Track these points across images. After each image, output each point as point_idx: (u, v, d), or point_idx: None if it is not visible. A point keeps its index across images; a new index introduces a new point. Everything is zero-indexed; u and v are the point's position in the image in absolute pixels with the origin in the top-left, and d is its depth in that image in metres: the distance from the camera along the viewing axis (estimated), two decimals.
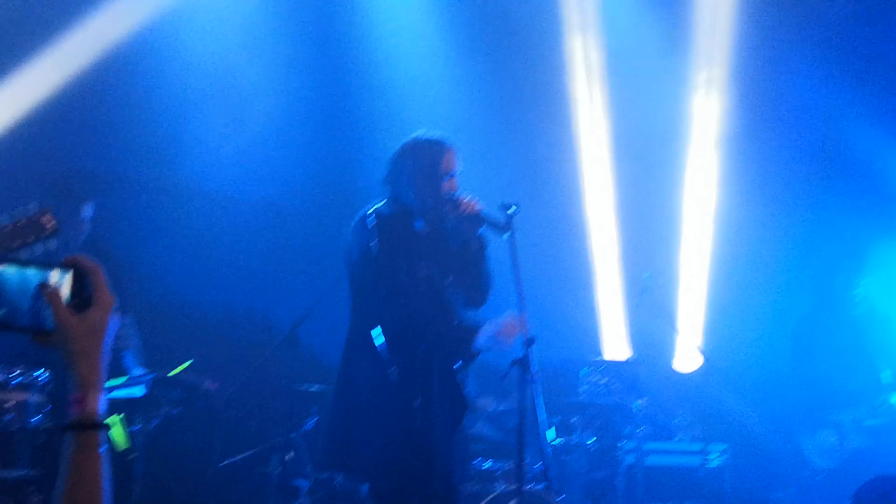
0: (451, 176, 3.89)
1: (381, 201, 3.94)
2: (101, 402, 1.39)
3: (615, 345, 7.00)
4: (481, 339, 3.80)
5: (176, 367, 5.00)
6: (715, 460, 6.22)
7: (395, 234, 3.82)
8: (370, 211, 3.89)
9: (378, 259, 3.80)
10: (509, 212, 3.85)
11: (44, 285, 1.38)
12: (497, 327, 3.78)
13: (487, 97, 6.75)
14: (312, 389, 5.40)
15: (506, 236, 3.78)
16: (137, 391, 4.70)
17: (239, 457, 5.30)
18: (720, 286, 7.04)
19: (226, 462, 5.30)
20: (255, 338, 5.90)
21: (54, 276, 1.40)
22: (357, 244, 3.89)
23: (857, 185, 6.81)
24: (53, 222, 3.09)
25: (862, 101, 6.66)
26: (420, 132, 3.99)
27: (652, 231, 7.05)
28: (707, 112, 7.04)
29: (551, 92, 6.94)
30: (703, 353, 6.23)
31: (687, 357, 7.10)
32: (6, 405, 4.40)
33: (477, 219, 3.84)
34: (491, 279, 4.02)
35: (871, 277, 5.69)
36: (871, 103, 6.64)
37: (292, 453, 5.29)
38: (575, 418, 5.90)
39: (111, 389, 4.79)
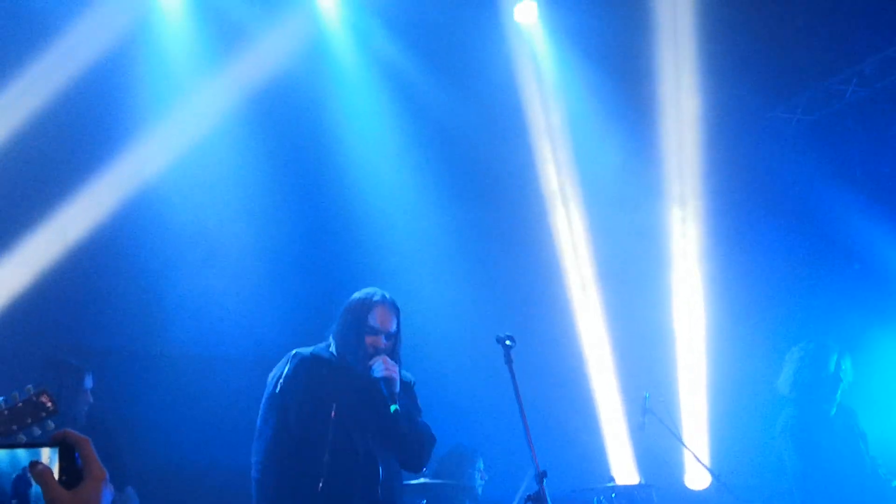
0: (377, 332, 3.96)
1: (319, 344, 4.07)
2: None
3: (624, 469, 6.90)
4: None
5: None
6: None
7: (310, 374, 3.91)
8: (295, 350, 4.02)
9: (277, 395, 3.91)
10: (507, 343, 3.91)
11: (33, 464, 1.38)
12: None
13: (471, 236, 6.90)
14: None
15: (392, 409, 3.80)
16: None
17: None
18: (720, 396, 7.02)
19: None
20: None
21: (44, 454, 1.40)
22: (272, 377, 4.01)
23: (848, 273, 6.90)
24: (52, 402, 3.09)
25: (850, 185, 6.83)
26: (358, 293, 4.10)
27: (646, 348, 7.07)
28: (684, 223, 7.18)
29: (532, 223, 7.10)
30: (711, 470, 6.15)
31: (697, 475, 7.00)
32: None
33: (387, 382, 3.86)
34: (417, 445, 4.00)
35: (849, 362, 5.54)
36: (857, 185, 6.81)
37: None
38: None
39: None
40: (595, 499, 5.96)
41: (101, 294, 6.08)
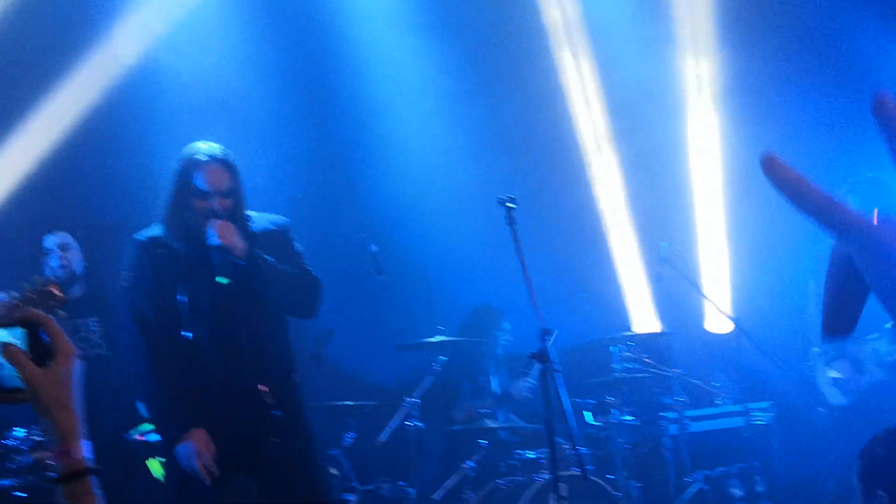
0: (208, 195, 3.58)
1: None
2: (86, 448, 1.41)
3: (643, 318, 6.96)
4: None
5: None
6: (760, 418, 6.18)
7: (152, 259, 3.61)
8: (136, 236, 3.70)
9: (127, 291, 3.65)
10: (508, 205, 3.88)
11: (3, 345, 1.39)
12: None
13: (479, 91, 6.74)
14: (346, 404, 5.43)
15: (224, 280, 3.52)
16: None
17: None
18: (739, 242, 6.97)
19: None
20: None
21: (7, 334, 1.41)
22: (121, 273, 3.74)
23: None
24: (60, 292, 3.15)
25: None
26: (188, 147, 3.69)
27: (662, 199, 7.00)
28: (698, 67, 6.97)
29: (541, 75, 6.91)
30: (731, 316, 6.18)
31: (717, 320, 7.06)
32: (48, 461, 4.47)
33: (221, 250, 3.52)
34: (294, 292, 3.74)
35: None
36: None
37: (335, 470, 5.32)
38: (611, 398, 5.88)
39: (146, 434, 4.85)
40: (614, 347, 6.04)
41: (106, 172, 6.06)
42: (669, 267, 6.06)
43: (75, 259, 5.21)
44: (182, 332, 3.58)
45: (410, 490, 5.32)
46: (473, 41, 6.80)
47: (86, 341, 5.03)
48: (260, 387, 3.57)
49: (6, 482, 4.47)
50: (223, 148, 3.67)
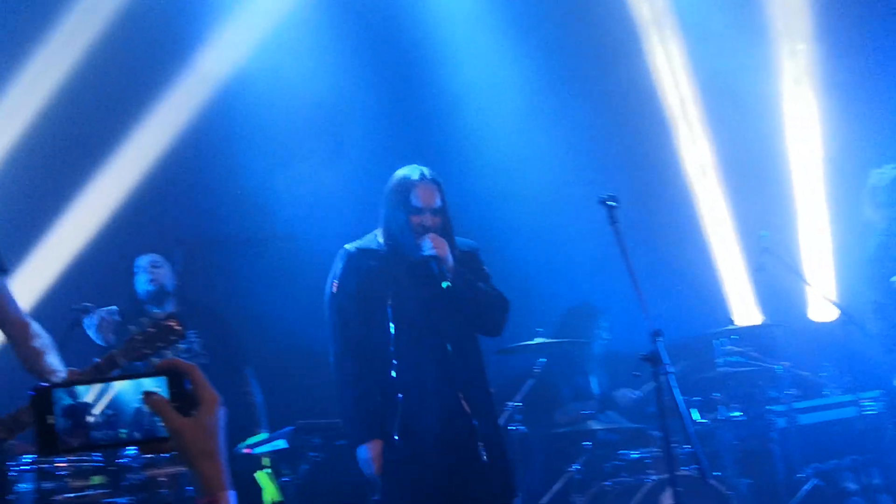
0: (421, 212, 3.87)
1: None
2: (233, 499, 1.39)
3: (746, 311, 6.79)
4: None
5: (308, 414, 5.05)
6: (871, 408, 5.98)
7: (360, 269, 3.88)
8: (346, 246, 3.99)
9: (334, 297, 3.92)
10: (609, 203, 3.83)
11: (147, 394, 1.38)
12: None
13: (572, 87, 6.63)
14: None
15: (444, 285, 3.74)
16: (280, 444, 4.78)
17: None
18: (841, 229, 6.74)
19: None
20: None
21: (151, 383, 1.40)
22: (329, 278, 4.00)
23: None
24: (179, 326, 3.18)
25: None
26: (396, 173, 4.00)
27: (762, 188, 6.80)
28: (795, 55, 6.76)
29: (633, 68, 6.78)
30: (836, 303, 5.98)
31: (821, 308, 6.84)
32: (160, 479, 4.54)
33: (437, 260, 3.78)
34: (487, 310, 3.97)
35: None
36: None
37: None
38: (717, 394, 5.74)
39: (254, 446, 4.89)
40: (717, 341, 5.91)
41: (203, 189, 6.14)
42: (771, 256, 5.89)
43: (166, 276, 5.35)
44: (388, 339, 3.82)
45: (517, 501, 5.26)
46: (562, 36, 6.69)
47: (188, 352, 5.11)
48: (460, 395, 3.83)
49: (121, 500, 4.55)
50: (431, 170, 3.98)
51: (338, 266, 3.96)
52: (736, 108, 6.70)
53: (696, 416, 5.65)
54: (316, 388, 5.68)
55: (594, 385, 6.10)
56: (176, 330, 3.16)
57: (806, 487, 5.60)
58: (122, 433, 1.40)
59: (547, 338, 5.44)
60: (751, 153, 6.78)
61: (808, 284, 6.28)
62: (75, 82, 5.77)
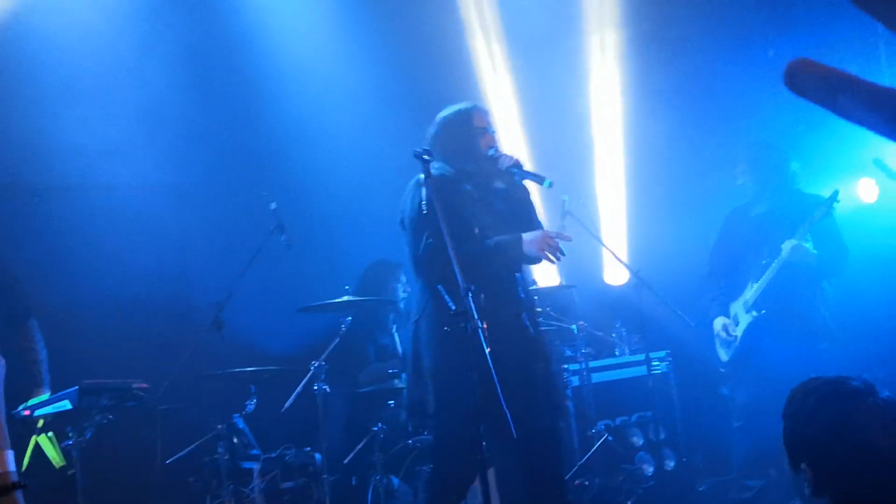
0: (486, 132, 4.13)
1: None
2: (10, 462, 1.22)
3: (546, 272, 6.95)
4: (529, 247, 3.88)
5: (96, 372, 4.74)
6: (659, 367, 6.28)
7: (445, 192, 3.89)
8: (420, 176, 3.96)
9: (428, 215, 3.86)
10: (425, 157, 3.82)
11: None
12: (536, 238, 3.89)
13: (378, 45, 6.52)
14: (247, 370, 5.23)
15: (546, 184, 3.94)
16: (64, 405, 4.45)
17: (184, 451, 5.10)
18: (637, 197, 7.03)
19: (171, 459, 5.09)
20: (177, 327, 5.63)
21: None
22: (409, 205, 4.04)
23: (763, 61, 6.80)
24: None
25: None
26: (447, 108, 4.22)
27: (564, 150, 6.97)
28: (601, 17, 6.94)
29: (443, 27, 6.74)
30: (629, 266, 6.23)
31: (616, 272, 7.11)
32: None
33: (517, 169, 4.01)
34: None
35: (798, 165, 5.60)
36: None
37: (237, 438, 5.13)
38: None
39: (35, 408, 4.54)
40: None
41: None
42: (571, 219, 6.03)
43: None
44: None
45: (317, 455, 5.18)
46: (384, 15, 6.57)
47: None
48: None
49: None
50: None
51: (420, 190, 3.92)
52: (543, 66, 6.81)
53: None
54: (103, 346, 5.36)
55: (399, 344, 6.07)
56: None
57: (598, 443, 5.81)
58: None
59: (352, 296, 5.35)
60: (555, 114, 6.92)
61: (606, 248, 6.50)
62: None
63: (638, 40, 6.85)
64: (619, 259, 6.33)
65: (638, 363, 6.22)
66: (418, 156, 3.82)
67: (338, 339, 5.28)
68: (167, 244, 5.84)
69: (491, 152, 4.06)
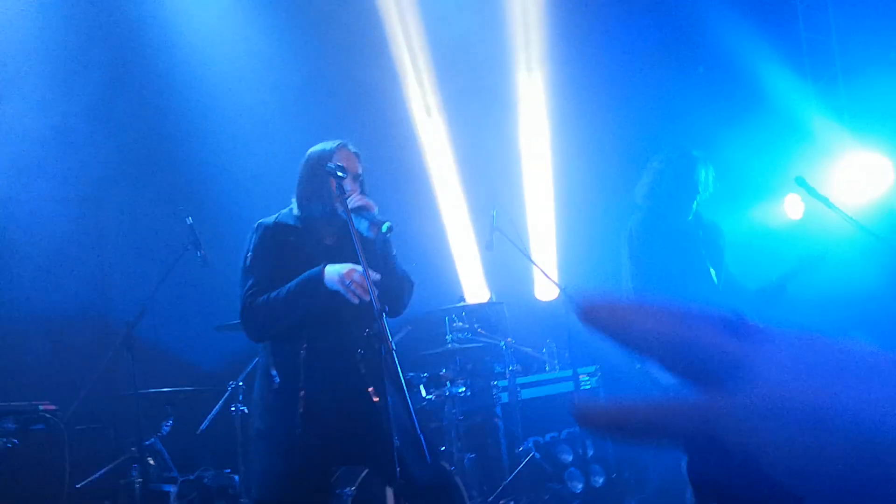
0: (335, 173, 3.75)
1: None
2: None
3: (476, 288, 6.90)
4: (331, 278, 3.55)
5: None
6: (587, 382, 6.27)
7: (273, 240, 3.72)
8: (258, 222, 3.82)
9: (248, 268, 3.72)
10: (339, 175, 3.70)
11: None
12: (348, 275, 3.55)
13: (301, 50, 6.40)
14: (163, 390, 5.07)
15: (385, 228, 3.61)
16: None
17: (96, 474, 4.92)
18: (566, 212, 7.02)
19: (83, 483, 4.91)
20: (89, 345, 5.44)
21: None
22: (243, 252, 3.81)
23: (693, 75, 6.83)
24: None
25: None
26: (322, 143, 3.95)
27: (494, 170, 6.94)
28: (526, 22, 6.90)
29: (370, 33, 6.65)
30: (558, 283, 6.20)
31: (545, 288, 7.09)
32: None
33: (365, 209, 3.67)
34: (397, 289, 3.80)
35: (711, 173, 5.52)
36: None
37: (153, 460, 4.97)
38: (444, 370, 5.79)
39: None
40: (447, 318, 5.96)
41: None
42: (500, 235, 5.98)
43: None
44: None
45: (235, 477, 5.04)
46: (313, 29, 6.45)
47: None
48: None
49: None
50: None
51: (251, 239, 3.74)
52: (472, 91, 6.77)
53: (422, 392, 5.67)
54: (9, 365, 5.17)
55: None
56: None
57: (525, 460, 5.77)
58: None
59: None
60: (484, 128, 6.89)
61: (534, 264, 6.46)
62: None
63: (565, 48, 6.84)
64: (546, 275, 6.31)
65: (567, 379, 6.19)
66: (331, 173, 3.72)
67: (256, 359, 5.14)
68: (80, 260, 5.65)
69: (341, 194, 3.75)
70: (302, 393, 3.56)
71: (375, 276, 3.56)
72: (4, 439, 4.34)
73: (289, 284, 3.61)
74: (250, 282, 3.71)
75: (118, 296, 5.40)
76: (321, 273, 3.56)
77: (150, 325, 5.02)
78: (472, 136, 6.88)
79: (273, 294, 3.61)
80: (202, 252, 5.07)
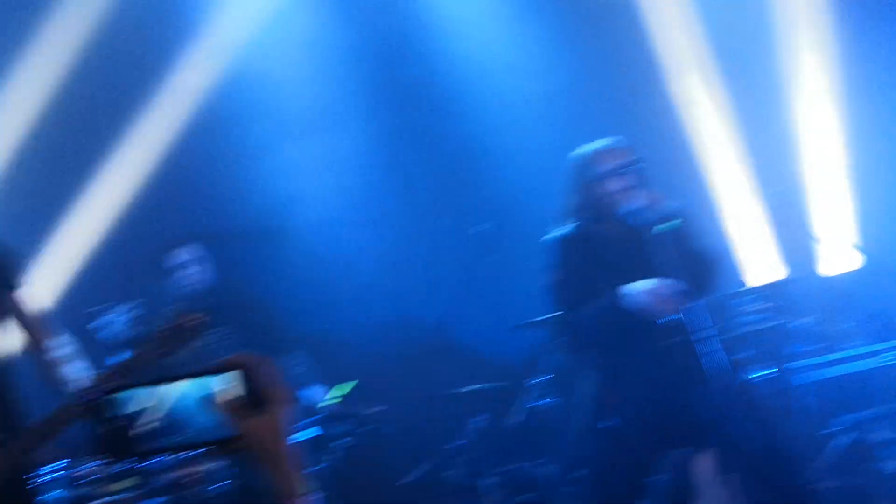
0: (608, 176, 3.81)
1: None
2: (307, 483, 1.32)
3: (763, 267, 6.72)
4: (635, 298, 3.61)
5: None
6: (889, 358, 5.95)
7: (566, 252, 3.83)
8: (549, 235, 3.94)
9: (551, 282, 3.87)
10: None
11: (216, 393, 1.32)
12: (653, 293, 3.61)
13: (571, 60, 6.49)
14: (475, 388, 5.36)
15: (671, 225, 3.67)
16: (313, 432, 4.73)
17: (422, 469, 5.29)
18: (863, 178, 6.62)
19: (409, 478, 5.30)
20: (401, 349, 5.83)
21: (221, 380, 1.34)
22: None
23: None
24: (198, 323, 3.10)
25: None
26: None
27: (770, 136, 6.66)
28: None
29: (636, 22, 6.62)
30: (860, 250, 5.91)
31: (840, 259, 6.76)
32: (188, 479, 4.51)
33: (640, 212, 3.73)
34: (700, 268, 3.85)
35: None
36: None
37: (469, 455, 5.26)
38: (739, 354, 5.70)
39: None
40: (735, 302, 5.86)
41: (208, 180, 6.06)
42: (785, 210, 5.82)
43: (208, 270, 5.15)
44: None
45: (551, 468, 5.23)
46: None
47: (228, 350, 5.02)
48: None
49: (155, 502, 4.52)
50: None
51: (549, 254, 3.93)
52: (747, 62, 6.57)
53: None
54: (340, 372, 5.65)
55: None
56: (193, 327, 3.08)
57: (833, 442, 5.57)
58: (187, 434, 1.34)
59: None
60: (758, 99, 6.64)
61: (825, 239, 6.22)
62: (79, 79, 5.74)
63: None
64: (843, 247, 6.04)
65: (865, 356, 5.90)
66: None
67: (554, 355, 5.33)
68: (386, 270, 6.03)
69: (611, 193, 3.82)
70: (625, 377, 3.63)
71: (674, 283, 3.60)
72: (339, 441, 4.78)
73: (592, 308, 3.72)
74: (556, 294, 3.85)
75: (426, 303, 5.75)
76: (622, 296, 3.62)
77: (459, 328, 5.34)
78: (747, 108, 6.64)
79: (580, 314, 3.76)
80: (495, 256, 5.36)
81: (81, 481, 4.40)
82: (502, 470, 5.26)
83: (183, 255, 5.11)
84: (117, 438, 1.33)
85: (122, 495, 4.47)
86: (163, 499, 4.51)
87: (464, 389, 5.34)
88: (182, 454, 4.37)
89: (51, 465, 4.31)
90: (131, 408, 1.34)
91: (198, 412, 1.34)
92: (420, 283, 5.91)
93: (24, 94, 5.68)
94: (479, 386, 5.36)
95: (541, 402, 5.12)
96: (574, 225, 3.90)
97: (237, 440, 1.32)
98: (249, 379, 1.33)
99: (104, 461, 4.47)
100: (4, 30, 5.75)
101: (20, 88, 5.68)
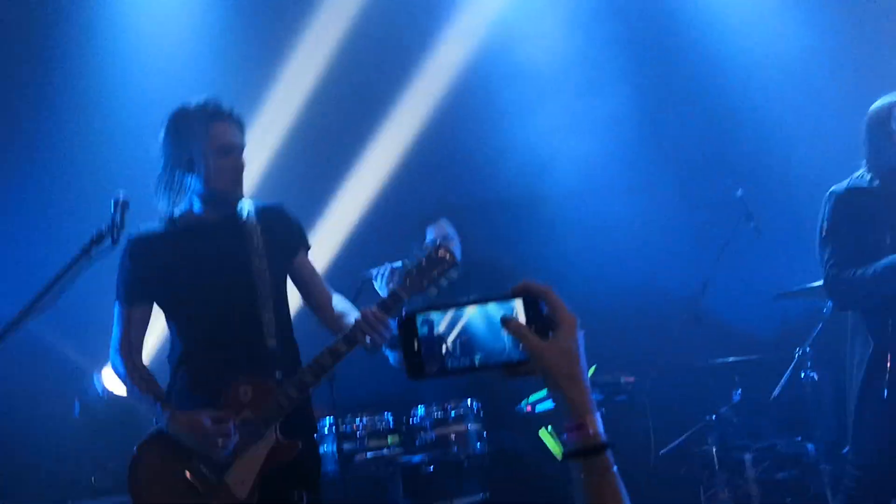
0: None
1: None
2: (599, 423, 1.35)
3: None
4: None
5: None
6: None
7: (847, 208, 3.73)
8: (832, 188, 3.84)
9: (825, 238, 3.77)
10: None
11: (504, 319, 1.37)
12: None
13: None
14: (729, 361, 5.22)
15: None
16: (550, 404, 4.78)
17: (674, 443, 5.22)
18: None
19: (664, 450, 5.24)
20: (657, 319, 5.74)
21: (505, 306, 1.39)
22: (819, 216, 3.86)
23: None
24: (450, 254, 3.24)
25: None
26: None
27: None
28: None
29: None
30: None
31: None
32: (450, 438, 4.69)
33: None
34: None
35: None
36: None
37: (725, 429, 5.14)
38: None
39: (535, 404, 4.92)
40: None
41: (467, 149, 6.24)
42: None
43: (456, 247, 5.34)
44: None
45: (809, 445, 5.00)
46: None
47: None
48: None
49: (415, 458, 4.74)
50: None
51: (826, 208, 3.85)
52: None
53: None
54: (599, 340, 5.64)
55: None
56: (446, 259, 3.23)
57: None
58: (476, 359, 1.41)
59: None
60: None
61: None
62: (347, 60, 6.13)
63: None
64: None
65: None
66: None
67: (820, 325, 5.07)
68: (643, 241, 5.96)
69: None
70: (889, 357, 3.49)
71: None
72: (602, 410, 4.79)
73: (879, 264, 3.55)
74: (828, 252, 3.70)
75: (679, 272, 5.64)
76: None
77: (712, 298, 5.21)
78: None
79: (860, 271, 3.56)
80: (755, 223, 5.16)
81: (349, 436, 4.70)
82: (760, 446, 5.08)
83: (439, 227, 5.31)
84: (414, 359, 1.41)
85: (387, 451, 4.73)
86: (426, 455, 4.73)
87: (720, 361, 5.21)
88: (466, 376, 4.54)
89: (321, 421, 4.63)
90: (426, 331, 1.43)
91: (488, 336, 1.40)
92: (675, 252, 5.79)
93: (300, 77, 6.14)
94: (734, 358, 5.21)
95: (802, 375, 4.89)
96: (862, 178, 3.77)
97: (525, 363, 1.39)
98: (535, 305, 1.39)
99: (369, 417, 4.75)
100: (283, 17, 6.19)
101: (298, 71, 6.13)
